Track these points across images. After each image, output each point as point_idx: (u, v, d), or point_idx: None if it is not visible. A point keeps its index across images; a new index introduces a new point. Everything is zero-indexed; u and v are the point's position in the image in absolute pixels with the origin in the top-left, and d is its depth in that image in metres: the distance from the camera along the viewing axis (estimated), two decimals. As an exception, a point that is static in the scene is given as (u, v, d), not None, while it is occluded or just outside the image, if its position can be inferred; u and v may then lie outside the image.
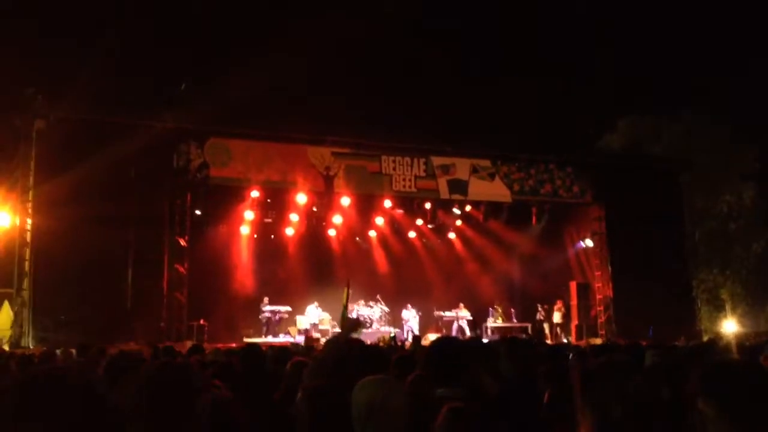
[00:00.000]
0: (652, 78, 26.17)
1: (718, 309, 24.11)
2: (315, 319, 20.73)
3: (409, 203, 21.50)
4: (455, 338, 6.82)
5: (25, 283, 16.37)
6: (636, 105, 26.23)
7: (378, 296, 22.52)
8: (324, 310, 20.96)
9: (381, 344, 12.82)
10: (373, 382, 3.10)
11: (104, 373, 4.87)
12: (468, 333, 21.49)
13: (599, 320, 22.12)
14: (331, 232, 23.34)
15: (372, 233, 24.04)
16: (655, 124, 25.79)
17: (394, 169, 20.52)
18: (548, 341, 19.12)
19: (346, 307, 17.35)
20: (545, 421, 3.60)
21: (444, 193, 21.01)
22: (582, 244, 23.31)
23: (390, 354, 6.12)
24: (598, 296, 22.36)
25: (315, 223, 22.28)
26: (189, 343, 13.91)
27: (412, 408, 2.86)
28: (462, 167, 21.15)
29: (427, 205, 21.56)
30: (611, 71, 26.26)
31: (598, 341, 17.69)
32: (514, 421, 3.62)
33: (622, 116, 26.61)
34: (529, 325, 22.16)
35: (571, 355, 6.72)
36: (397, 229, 23.74)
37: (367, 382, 3.09)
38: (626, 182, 21.55)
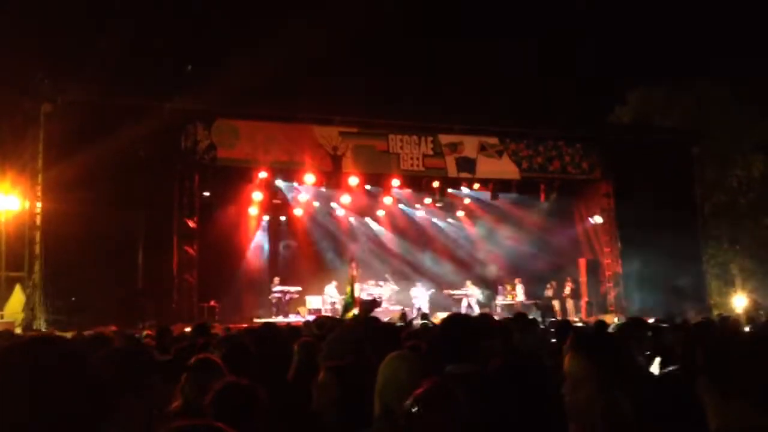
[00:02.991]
0: (662, 49, 25.94)
1: (728, 284, 24.08)
2: (336, 297, 20.80)
3: (418, 182, 21.44)
4: (465, 315, 6.83)
5: (36, 267, 16.44)
6: (646, 77, 26.09)
7: (387, 275, 22.57)
8: (340, 291, 20.99)
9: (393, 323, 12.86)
10: (395, 357, 3.15)
11: None
12: (477, 311, 21.54)
13: (609, 297, 22.12)
14: (340, 212, 23.35)
15: (380, 212, 24.04)
16: (666, 96, 25.63)
17: (402, 147, 20.46)
18: (557, 318, 19.11)
19: (353, 287, 17.33)
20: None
21: (452, 171, 20.95)
22: (591, 220, 23.25)
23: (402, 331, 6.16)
24: (608, 273, 22.33)
25: (323, 203, 22.29)
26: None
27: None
28: (470, 145, 21.07)
29: (435, 184, 21.52)
30: (621, 43, 26.05)
31: (609, 318, 17.69)
32: (522, 397, 3.63)
33: (632, 89, 26.47)
34: (539, 302, 22.16)
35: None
36: (405, 208, 23.73)
37: (391, 357, 3.15)
38: (636, 157, 21.39)
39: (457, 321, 4.30)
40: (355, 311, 15.47)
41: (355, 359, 3.49)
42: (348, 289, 17.40)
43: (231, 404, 2.82)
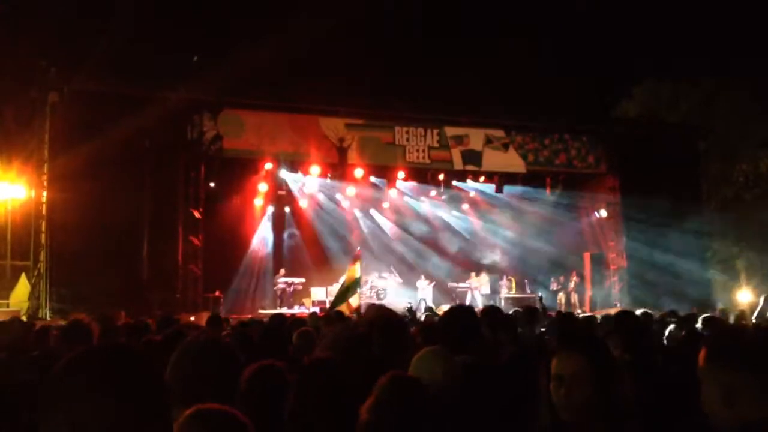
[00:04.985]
0: (669, 44, 25.80)
1: (732, 279, 24.00)
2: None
3: (423, 174, 21.43)
4: (469, 307, 6.82)
5: (42, 256, 16.48)
6: (653, 72, 25.98)
7: (391, 267, 22.57)
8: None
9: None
10: (427, 353, 3.18)
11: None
12: (480, 304, 21.53)
13: (613, 290, 22.09)
14: (345, 204, 23.34)
15: (386, 204, 24.02)
16: (672, 91, 25.54)
17: (408, 140, 20.44)
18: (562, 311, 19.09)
19: (356, 279, 17.20)
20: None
21: (458, 163, 20.92)
22: (596, 214, 23.21)
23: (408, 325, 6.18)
24: (612, 267, 22.30)
25: (328, 194, 22.29)
26: (205, 315, 14.01)
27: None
28: (476, 138, 21.04)
29: (441, 176, 21.50)
30: (628, 37, 25.93)
31: (613, 311, 17.64)
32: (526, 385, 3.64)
33: (639, 84, 26.36)
34: (543, 296, 22.11)
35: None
36: (410, 200, 23.71)
37: (423, 353, 3.18)
38: (642, 151, 21.31)
39: (461, 313, 4.30)
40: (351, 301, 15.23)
41: (343, 357, 3.49)
42: (347, 279, 17.23)
43: (262, 387, 2.89)
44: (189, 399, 2.16)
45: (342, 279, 20.79)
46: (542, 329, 7.58)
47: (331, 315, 8.58)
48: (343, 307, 13.52)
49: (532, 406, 3.21)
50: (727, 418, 1.92)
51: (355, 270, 15.84)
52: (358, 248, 18.07)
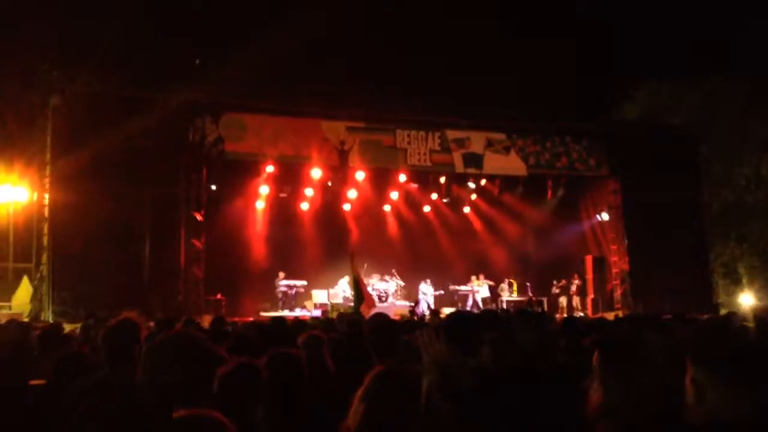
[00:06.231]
0: (671, 46, 25.76)
1: (734, 282, 23.97)
2: (348, 292, 20.70)
3: (424, 177, 21.45)
4: (470, 311, 6.83)
5: (44, 258, 16.49)
6: (654, 73, 25.96)
7: (393, 270, 22.54)
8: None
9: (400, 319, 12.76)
10: None
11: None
12: (482, 307, 21.53)
13: (615, 294, 22.07)
14: (346, 207, 23.32)
15: (387, 207, 24.01)
16: (674, 94, 25.52)
17: (409, 143, 20.45)
18: (564, 315, 19.07)
19: (357, 282, 17.17)
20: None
21: (459, 166, 20.93)
22: (598, 217, 23.19)
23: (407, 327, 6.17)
24: (614, 270, 22.26)
25: (330, 197, 22.28)
26: (208, 318, 14.04)
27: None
28: (477, 141, 21.05)
29: (442, 179, 21.51)
30: (629, 39, 25.90)
31: (613, 316, 17.63)
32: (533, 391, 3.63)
33: (640, 86, 26.34)
34: (545, 299, 22.11)
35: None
36: (412, 203, 23.71)
37: None
38: (643, 154, 21.27)
39: (462, 317, 4.32)
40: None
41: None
42: (352, 284, 17.19)
43: (236, 386, 2.88)
44: (162, 394, 2.18)
45: (344, 281, 20.89)
46: (545, 333, 7.55)
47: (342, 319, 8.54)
48: (363, 308, 13.49)
49: (535, 411, 3.21)
50: (698, 413, 2.02)
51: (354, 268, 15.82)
52: (350, 248, 18.02)
